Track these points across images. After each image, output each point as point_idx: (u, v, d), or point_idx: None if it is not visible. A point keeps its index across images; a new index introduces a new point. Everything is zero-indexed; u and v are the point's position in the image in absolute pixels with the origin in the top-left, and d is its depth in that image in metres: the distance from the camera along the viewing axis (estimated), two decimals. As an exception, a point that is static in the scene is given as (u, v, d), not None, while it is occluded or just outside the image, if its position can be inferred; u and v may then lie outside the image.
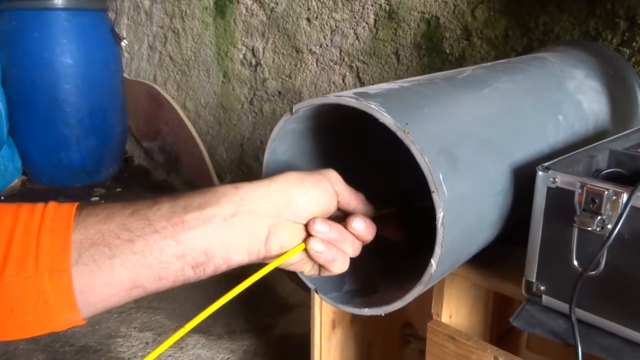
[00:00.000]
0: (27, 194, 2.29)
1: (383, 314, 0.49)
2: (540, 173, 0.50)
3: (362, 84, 1.45)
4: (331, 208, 0.48)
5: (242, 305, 1.50)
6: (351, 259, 0.52)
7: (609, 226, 0.46)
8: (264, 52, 1.73)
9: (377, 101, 0.46)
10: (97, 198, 2.25)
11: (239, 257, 0.44)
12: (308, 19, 1.55)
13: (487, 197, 0.51)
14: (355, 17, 1.41)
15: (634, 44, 0.92)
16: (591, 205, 0.46)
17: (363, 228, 0.48)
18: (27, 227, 0.39)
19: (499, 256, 0.62)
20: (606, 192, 0.45)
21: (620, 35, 0.94)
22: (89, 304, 0.40)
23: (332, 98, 0.48)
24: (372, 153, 0.64)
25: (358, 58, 1.43)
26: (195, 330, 1.41)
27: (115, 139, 2.38)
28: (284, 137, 0.54)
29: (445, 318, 0.69)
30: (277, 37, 1.67)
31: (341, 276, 0.56)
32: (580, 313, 0.49)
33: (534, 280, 0.53)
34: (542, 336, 0.51)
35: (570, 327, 0.48)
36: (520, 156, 0.56)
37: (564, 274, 0.50)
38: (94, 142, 2.28)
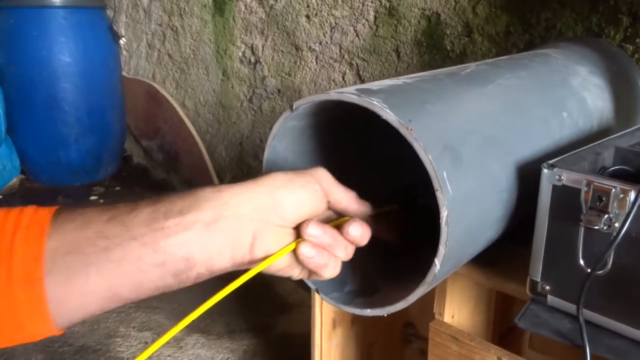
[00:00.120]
0: (25, 193, 2.29)
1: (385, 315, 0.49)
2: (545, 170, 0.49)
3: (362, 82, 1.44)
4: (320, 209, 0.46)
5: (242, 304, 1.49)
6: (353, 258, 0.51)
7: (617, 225, 0.45)
8: (263, 50, 1.72)
9: (379, 97, 0.45)
10: (96, 197, 2.24)
11: (222, 265, 0.42)
12: (307, 16, 1.53)
13: (492, 195, 0.51)
14: (355, 14, 1.40)
15: (637, 40, 0.91)
16: (598, 204, 0.45)
17: (359, 233, 0.46)
18: (0, 234, 0.37)
19: (502, 255, 0.61)
20: (613, 190, 0.45)
21: (623, 32, 0.93)
22: (64, 314, 0.38)
23: (333, 94, 0.47)
24: (374, 150, 0.63)
25: (358, 55, 1.42)
26: (194, 329, 1.40)
27: (114, 138, 2.37)
28: (284, 134, 0.53)
29: (447, 318, 0.68)
30: (276, 34, 1.66)
31: (342, 276, 0.55)
32: (587, 313, 0.48)
33: (539, 280, 0.52)
34: (547, 337, 0.50)
35: (577, 328, 0.47)
36: (525, 153, 0.55)
37: (570, 274, 0.49)
38: (92, 140, 2.27)
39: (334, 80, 1.52)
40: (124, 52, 2.42)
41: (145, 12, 2.24)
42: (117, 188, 2.34)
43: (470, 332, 0.67)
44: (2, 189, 2.25)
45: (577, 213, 0.47)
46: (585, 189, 0.46)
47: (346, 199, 0.48)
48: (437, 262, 0.44)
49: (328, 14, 1.47)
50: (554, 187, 0.49)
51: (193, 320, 0.41)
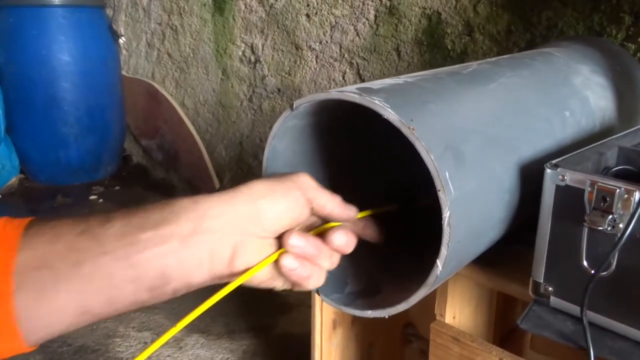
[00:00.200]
0: (25, 193, 2.28)
1: (386, 317, 0.48)
2: (548, 170, 0.48)
3: (363, 81, 1.43)
4: (303, 217, 0.44)
5: (242, 304, 1.49)
6: (353, 259, 0.51)
7: (621, 225, 0.44)
8: (263, 49, 1.71)
9: (380, 96, 0.45)
10: (95, 196, 2.24)
11: (201, 279, 0.40)
12: (307, 15, 1.53)
13: (494, 195, 0.50)
14: (355, 13, 1.40)
15: (640, 39, 0.91)
16: (602, 204, 0.45)
17: (344, 242, 0.44)
18: None
19: (504, 256, 0.60)
20: (618, 191, 0.44)
21: (625, 31, 0.93)
22: (35, 331, 0.36)
23: (334, 93, 0.46)
24: (375, 150, 0.63)
25: (358, 54, 1.42)
26: (194, 329, 1.40)
27: (113, 137, 2.37)
28: (284, 134, 0.52)
29: (448, 319, 0.67)
30: (276, 33, 1.65)
31: (343, 277, 0.55)
32: (590, 315, 0.48)
33: (542, 281, 0.51)
34: (550, 339, 0.49)
35: (580, 329, 0.47)
36: (528, 153, 0.54)
37: (573, 275, 0.48)
38: (92, 140, 2.26)
39: (334, 80, 1.51)
40: (124, 52, 2.41)
41: (144, 11, 2.24)
42: (117, 187, 2.33)
43: (472, 333, 0.66)
44: (2, 189, 2.24)
45: (580, 213, 0.46)
46: (589, 189, 0.46)
47: (331, 204, 0.45)
48: (439, 263, 0.44)
49: (328, 13, 1.47)
50: (557, 187, 0.48)
51: (192, 321, 0.40)
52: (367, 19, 1.37)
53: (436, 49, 1.23)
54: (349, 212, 0.47)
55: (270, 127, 0.51)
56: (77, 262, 0.36)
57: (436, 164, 0.42)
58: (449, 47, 1.20)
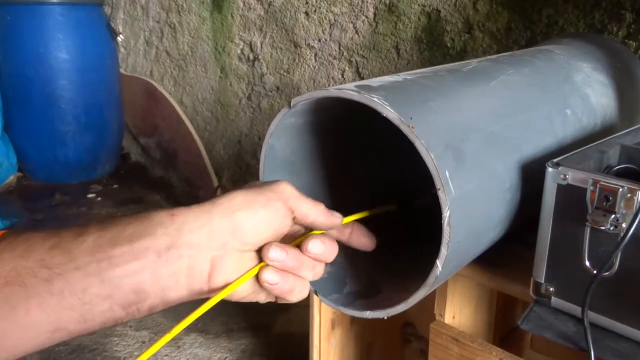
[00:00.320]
0: (22, 191, 2.27)
1: (385, 317, 0.47)
2: (550, 169, 0.48)
3: (362, 79, 1.42)
4: (284, 228, 0.42)
5: (240, 303, 1.48)
6: (352, 259, 0.50)
7: (623, 225, 0.43)
8: (261, 47, 1.71)
9: (379, 94, 0.44)
10: (93, 195, 2.23)
11: (178, 295, 0.39)
12: (306, 13, 1.52)
13: (495, 194, 0.49)
14: (354, 11, 1.39)
15: (641, 37, 0.90)
16: (604, 203, 0.44)
17: (321, 250, 0.42)
18: None
19: (505, 256, 0.60)
20: (620, 190, 0.43)
21: (626, 28, 0.92)
22: (5, 349, 0.35)
23: (332, 91, 0.45)
24: (374, 149, 0.62)
25: (357, 52, 1.41)
26: (192, 329, 1.39)
27: (111, 135, 2.36)
28: (282, 132, 0.51)
29: (448, 319, 0.67)
30: (275, 31, 1.64)
31: (342, 277, 0.54)
32: (592, 315, 0.47)
33: (543, 281, 0.50)
34: (551, 339, 0.49)
35: (582, 330, 0.46)
36: (529, 151, 0.53)
37: (575, 275, 0.48)
38: (90, 138, 2.26)
39: (333, 78, 1.50)
40: (122, 49, 2.40)
41: (142, 9, 2.23)
42: (115, 186, 2.33)
43: (472, 334, 0.65)
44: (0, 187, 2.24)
45: (582, 213, 0.46)
46: (592, 188, 0.45)
47: (314, 212, 0.44)
48: (439, 263, 0.43)
49: (327, 11, 1.46)
50: (559, 186, 0.47)
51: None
52: (366, 17, 1.36)
53: (436, 46, 1.22)
54: (333, 219, 0.45)
55: (269, 125, 0.50)
56: (48, 278, 0.35)
57: (436, 163, 0.41)
58: (449, 45, 1.19)
